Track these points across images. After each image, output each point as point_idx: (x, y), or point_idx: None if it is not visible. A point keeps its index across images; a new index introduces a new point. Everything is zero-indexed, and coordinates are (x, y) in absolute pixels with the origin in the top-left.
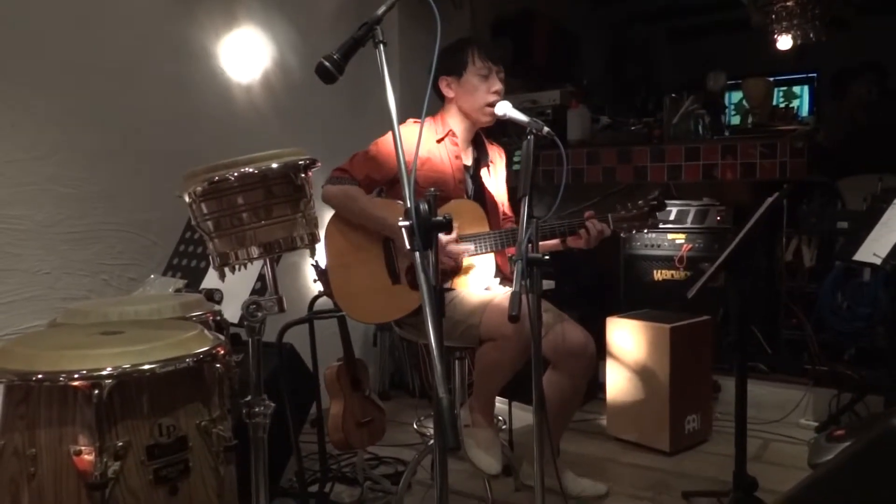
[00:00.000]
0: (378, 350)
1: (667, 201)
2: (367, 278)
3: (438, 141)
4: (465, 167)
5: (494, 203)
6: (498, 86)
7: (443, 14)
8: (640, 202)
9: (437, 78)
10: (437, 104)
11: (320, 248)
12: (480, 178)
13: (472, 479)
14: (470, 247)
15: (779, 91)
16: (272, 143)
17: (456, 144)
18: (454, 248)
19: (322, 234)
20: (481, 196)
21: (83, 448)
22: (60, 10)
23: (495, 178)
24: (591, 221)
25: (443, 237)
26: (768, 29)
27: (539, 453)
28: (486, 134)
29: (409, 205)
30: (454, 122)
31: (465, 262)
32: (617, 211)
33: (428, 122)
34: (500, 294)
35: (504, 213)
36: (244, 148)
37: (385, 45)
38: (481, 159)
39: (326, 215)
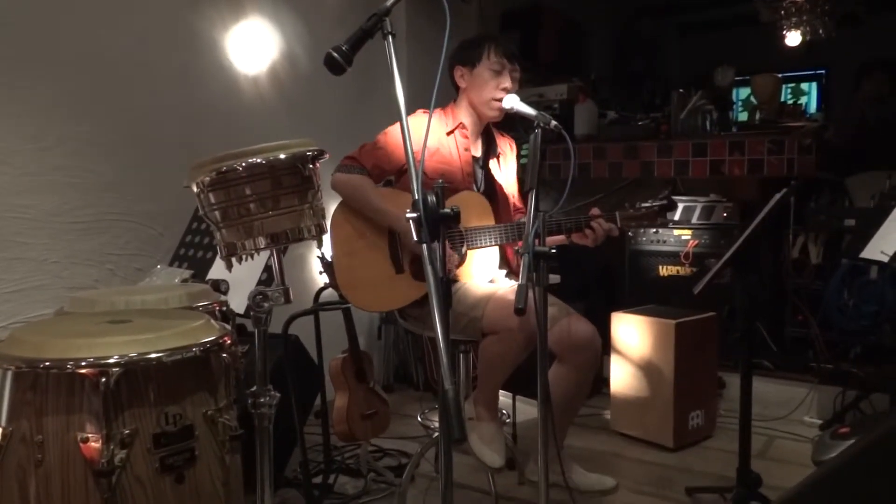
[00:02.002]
0: (382, 343)
1: (673, 197)
2: (371, 267)
3: (448, 133)
4: (475, 159)
5: (505, 195)
6: (508, 83)
7: (451, 7)
8: (649, 201)
9: (453, 67)
10: (448, 96)
11: (327, 239)
12: (490, 170)
13: (476, 472)
14: (456, 257)
15: (787, 87)
16: (280, 134)
17: (466, 137)
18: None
19: (329, 221)
20: (491, 188)
21: (90, 435)
22: (65, 1)
23: (505, 170)
24: (597, 221)
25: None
26: (777, 25)
27: (543, 447)
28: (496, 126)
29: (416, 196)
30: (464, 114)
31: (469, 254)
32: (626, 209)
33: (438, 113)
34: (504, 287)
35: (514, 206)
36: (251, 139)
37: (394, 36)
38: (491, 151)
39: (332, 204)
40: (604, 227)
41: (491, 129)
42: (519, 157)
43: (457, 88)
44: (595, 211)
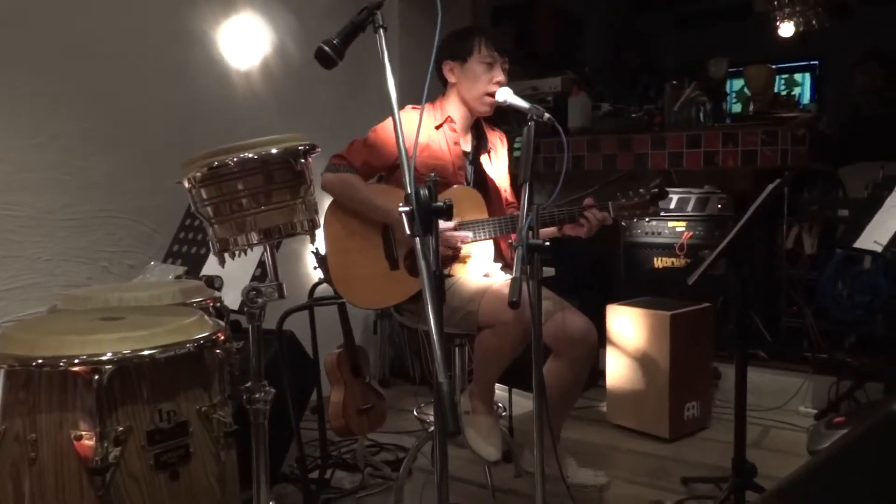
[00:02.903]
0: (378, 337)
1: (668, 189)
2: (366, 264)
3: (437, 127)
4: (465, 153)
5: (497, 189)
6: (501, 77)
7: (443, 0)
8: (641, 190)
9: (441, 61)
10: (437, 90)
11: (320, 234)
12: (481, 164)
13: (473, 465)
14: (468, 234)
15: (780, 78)
16: (271, 129)
17: (455, 131)
18: (452, 235)
19: (321, 217)
20: (482, 182)
21: (84, 433)
22: None
23: (496, 164)
24: (591, 211)
25: (441, 224)
26: (771, 16)
27: (539, 440)
28: (486, 120)
29: (409, 190)
30: (453, 108)
31: (464, 248)
32: (618, 199)
33: (426, 108)
34: (499, 280)
35: (507, 200)
36: (243, 134)
37: (385, 29)
38: (481, 146)
39: (325, 201)
40: (597, 216)
41: (481, 124)
42: (511, 150)
43: (444, 83)
44: (588, 201)
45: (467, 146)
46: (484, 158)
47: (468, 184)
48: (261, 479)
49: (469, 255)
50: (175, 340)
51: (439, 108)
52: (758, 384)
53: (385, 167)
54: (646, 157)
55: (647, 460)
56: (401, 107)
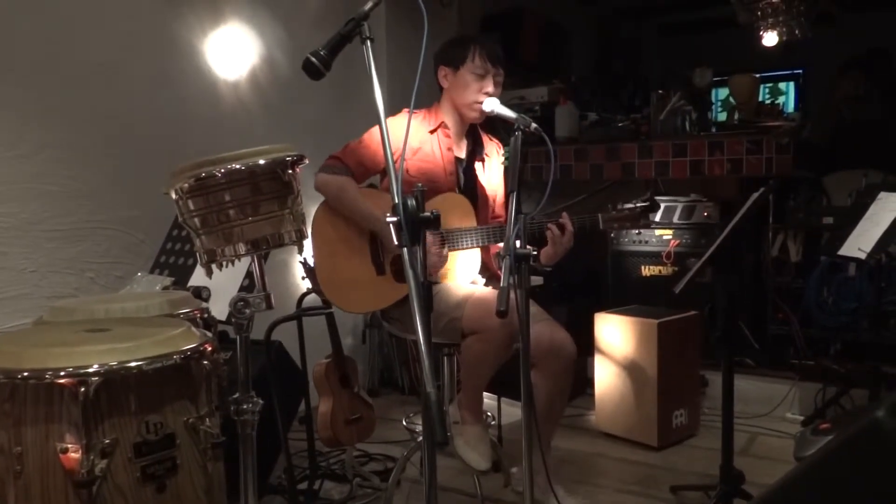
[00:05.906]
0: (367, 347)
1: (655, 197)
2: (353, 268)
3: (431, 132)
4: (458, 160)
5: (486, 197)
6: (490, 88)
7: (430, 10)
8: (632, 202)
9: (437, 66)
10: (429, 97)
11: (308, 243)
12: (474, 170)
13: (462, 475)
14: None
15: (765, 87)
16: (259, 139)
17: (448, 136)
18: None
19: (310, 223)
20: (473, 189)
21: (70, 446)
22: (44, 6)
23: (489, 172)
24: (549, 226)
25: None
26: (754, 26)
27: (527, 449)
28: (483, 128)
29: (396, 201)
30: (447, 114)
31: (451, 255)
32: (608, 211)
33: (421, 113)
34: (483, 287)
35: (493, 210)
36: (231, 145)
37: (372, 41)
38: (476, 152)
39: (314, 207)
40: (555, 231)
41: (478, 130)
42: None
43: (440, 88)
44: (563, 216)
45: (461, 152)
46: (477, 165)
47: (459, 190)
48: (249, 491)
49: (451, 266)
50: (162, 352)
51: (434, 114)
52: (745, 391)
53: (378, 169)
54: (633, 166)
55: (636, 468)
56: (389, 115)
